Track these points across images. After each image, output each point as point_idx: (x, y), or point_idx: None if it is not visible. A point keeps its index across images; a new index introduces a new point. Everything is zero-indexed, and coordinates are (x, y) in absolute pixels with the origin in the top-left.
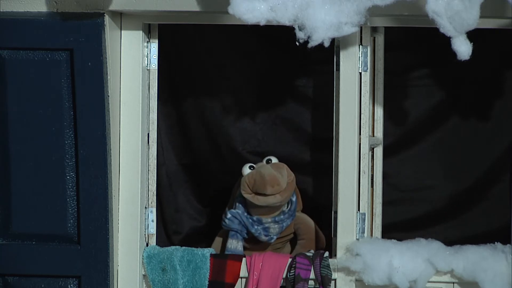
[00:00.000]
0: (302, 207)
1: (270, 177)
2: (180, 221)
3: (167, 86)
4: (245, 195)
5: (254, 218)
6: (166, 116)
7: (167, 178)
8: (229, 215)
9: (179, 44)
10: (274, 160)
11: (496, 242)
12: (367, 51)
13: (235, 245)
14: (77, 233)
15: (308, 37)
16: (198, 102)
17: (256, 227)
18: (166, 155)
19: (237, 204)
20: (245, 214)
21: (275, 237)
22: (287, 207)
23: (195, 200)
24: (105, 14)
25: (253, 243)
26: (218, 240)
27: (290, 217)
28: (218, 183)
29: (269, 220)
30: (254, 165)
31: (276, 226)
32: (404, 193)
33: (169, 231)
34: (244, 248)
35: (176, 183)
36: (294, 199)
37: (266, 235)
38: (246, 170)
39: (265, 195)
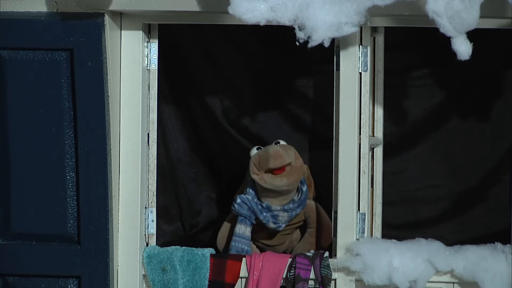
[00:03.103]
0: (315, 195)
1: (274, 151)
2: (197, 215)
3: (179, 85)
4: (253, 176)
5: (264, 204)
6: (180, 114)
7: (183, 174)
8: (238, 200)
9: (179, 44)
10: (283, 143)
11: (496, 242)
12: (367, 51)
13: (243, 230)
14: (77, 233)
15: (308, 37)
16: (199, 103)
17: (264, 214)
18: (181, 151)
19: (247, 189)
20: (255, 200)
21: (283, 225)
22: (297, 196)
23: (211, 194)
24: (105, 14)
25: (261, 229)
26: (226, 226)
27: (300, 206)
28: (229, 177)
29: (278, 208)
30: (262, 147)
31: (285, 214)
32: (404, 193)
33: (186, 226)
34: (253, 234)
35: (192, 178)
36: (304, 188)
37: (274, 223)
38: (253, 151)
39: (269, 170)
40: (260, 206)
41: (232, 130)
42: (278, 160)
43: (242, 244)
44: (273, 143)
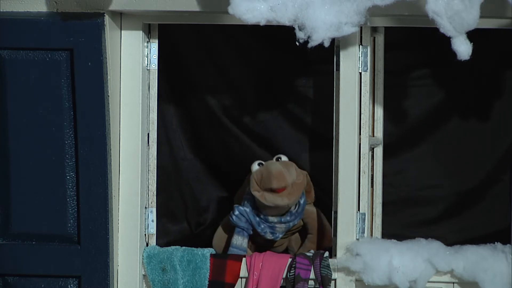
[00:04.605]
0: (314, 199)
1: (277, 172)
2: (204, 212)
3: (180, 84)
4: (254, 193)
5: (261, 216)
6: (182, 113)
7: (188, 173)
8: (236, 212)
9: (179, 44)
10: (284, 158)
11: (496, 242)
12: (367, 51)
13: (240, 241)
14: (77, 233)
15: (308, 37)
16: (200, 102)
17: (262, 226)
18: (185, 150)
19: (245, 201)
20: (253, 212)
21: (280, 235)
22: (295, 209)
23: (216, 192)
24: (105, 14)
25: (259, 236)
26: (221, 233)
27: (297, 217)
28: (232, 175)
29: (275, 220)
30: (263, 162)
31: (282, 225)
32: (404, 193)
33: (192, 224)
34: (254, 241)
35: (197, 176)
36: (302, 201)
37: (272, 233)
38: (255, 167)
39: (271, 190)
40: (257, 218)
41: (233, 130)
42: (281, 181)
43: None
44: (274, 159)
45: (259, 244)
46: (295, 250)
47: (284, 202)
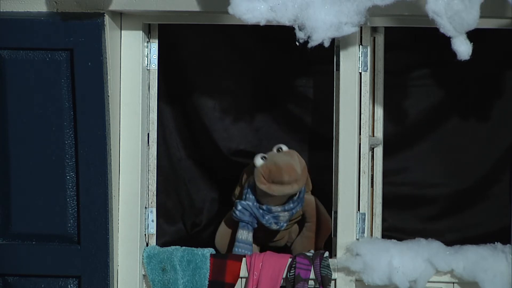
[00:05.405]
0: (311, 187)
1: (286, 165)
2: (200, 213)
3: (179, 85)
4: (261, 186)
5: (264, 207)
6: (179, 114)
7: (185, 174)
8: (239, 207)
9: (179, 44)
10: (285, 148)
11: (496, 242)
12: (367, 51)
13: (245, 235)
14: (77, 233)
15: (308, 37)
16: (200, 102)
17: (266, 217)
18: (182, 151)
19: (247, 195)
20: (256, 204)
21: (285, 224)
22: (297, 195)
23: (213, 193)
24: (105, 14)
25: (262, 229)
26: (224, 227)
27: (299, 204)
28: (228, 176)
29: (279, 209)
30: (266, 156)
31: (285, 214)
32: (404, 193)
33: (187, 225)
34: (255, 235)
35: (193, 177)
36: (303, 187)
37: (276, 223)
38: (258, 161)
39: (282, 183)
40: (261, 210)
41: (232, 130)
42: (292, 174)
43: (245, 249)
44: (275, 150)
45: (260, 239)
46: (293, 238)
47: (294, 189)
